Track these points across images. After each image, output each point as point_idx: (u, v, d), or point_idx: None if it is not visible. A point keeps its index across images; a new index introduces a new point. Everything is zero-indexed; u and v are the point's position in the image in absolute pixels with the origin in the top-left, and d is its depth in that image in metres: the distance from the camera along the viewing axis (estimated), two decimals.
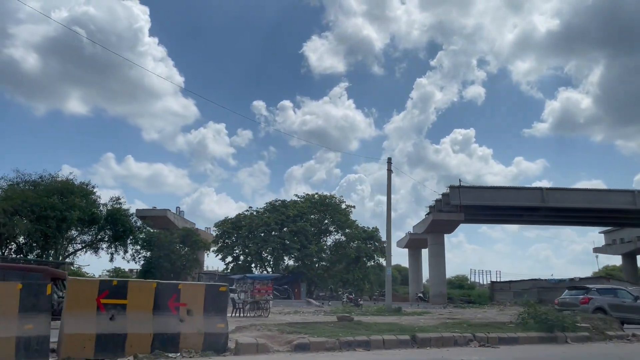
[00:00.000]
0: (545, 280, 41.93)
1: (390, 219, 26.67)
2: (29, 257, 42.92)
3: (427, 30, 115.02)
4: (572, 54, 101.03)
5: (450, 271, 73.03)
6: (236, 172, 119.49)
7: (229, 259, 38.68)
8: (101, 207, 45.15)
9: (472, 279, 62.60)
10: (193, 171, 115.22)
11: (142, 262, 42.36)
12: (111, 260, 47.65)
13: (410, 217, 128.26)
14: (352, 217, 42.01)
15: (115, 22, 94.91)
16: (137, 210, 48.14)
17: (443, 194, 44.28)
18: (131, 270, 50.67)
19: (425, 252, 53.09)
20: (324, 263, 38.58)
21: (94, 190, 45.34)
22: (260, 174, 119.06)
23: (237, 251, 39.15)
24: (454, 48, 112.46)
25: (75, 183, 42.04)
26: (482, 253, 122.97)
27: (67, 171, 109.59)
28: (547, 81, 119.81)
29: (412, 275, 51.98)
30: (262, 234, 36.88)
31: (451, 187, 43.69)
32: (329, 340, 9.46)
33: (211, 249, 41.87)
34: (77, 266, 51.09)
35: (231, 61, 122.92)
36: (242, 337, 9.41)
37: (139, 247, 40.39)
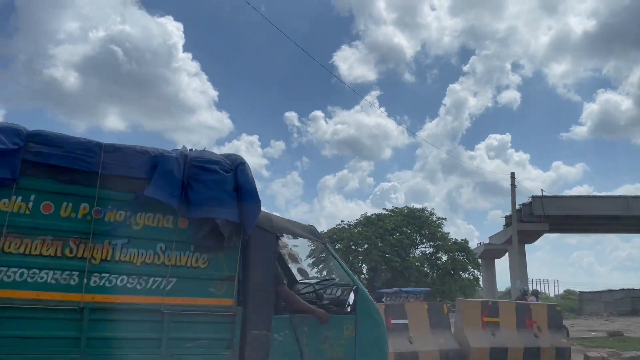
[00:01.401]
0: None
1: (516, 232, 27.54)
2: None
3: (458, 35, 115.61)
4: (610, 54, 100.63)
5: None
6: (270, 183, 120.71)
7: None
8: None
9: (540, 290, 62.85)
10: None
11: None
12: None
13: (447, 226, 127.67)
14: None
15: (150, 39, 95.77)
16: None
17: (524, 204, 44.84)
18: None
19: (498, 263, 53.59)
20: (415, 275, 39.50)
21: None
22: (294, 184, 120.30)
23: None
24: (487, 53, 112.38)
25: None
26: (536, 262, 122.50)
27: None
28: (584, 83, 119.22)
29: (485, 285, 52.33)
30: (364, 247, 38.14)
31: (533, 197, 44.34)
32: None
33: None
34: None
35: (263, 73, 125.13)
36: (589, 352, 10.59)
37: None
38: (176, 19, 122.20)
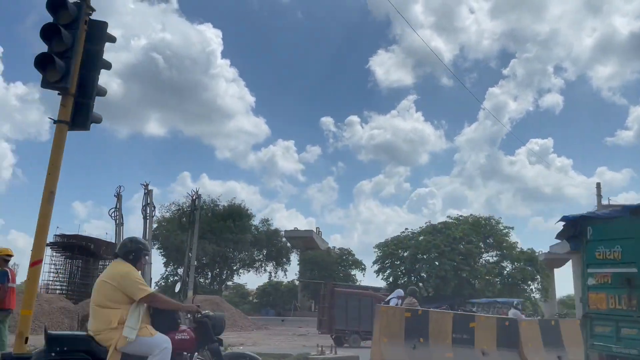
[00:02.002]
0: None
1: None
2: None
3: (498, 38, 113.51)
4: None
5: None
6: (305, 188, 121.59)
7: (390, 279, 40.72)
8: (253, 229, 48.94)
9: None
10: (264, 188, 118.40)
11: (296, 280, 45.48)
12: (270, 278, 51.43)
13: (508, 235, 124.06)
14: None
15: (190, 46, 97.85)
16: (285, 231, 51.70)
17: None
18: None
19: (557, 272, 52.56)
20: (482, 284, 39.64)
21: (250, 212, 49.27)
22: (329, 189, 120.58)
23: (400, 271, 41.10)
24: (528, 55, 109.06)
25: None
26: None
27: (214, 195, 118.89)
28: (631, 86, 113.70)
29: (543, 294, 51.55)
30: (432, 256, 38.53)
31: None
32: None
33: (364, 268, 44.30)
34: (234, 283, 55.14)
35: (299, 79, 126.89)
36: None
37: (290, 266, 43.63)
38: (215, 26, 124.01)
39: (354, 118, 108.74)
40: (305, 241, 54.04)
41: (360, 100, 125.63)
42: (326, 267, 42.94)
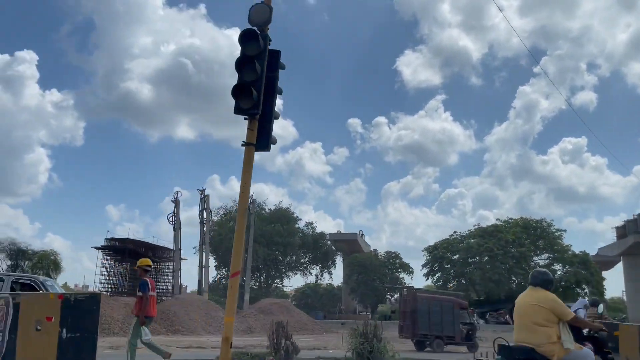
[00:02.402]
0: None
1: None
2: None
3: (528, 36, 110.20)
4: None
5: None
6: (333, 189, 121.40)
7: (440, 282, 40.72)
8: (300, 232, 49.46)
9: None
10: (292, 190, 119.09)
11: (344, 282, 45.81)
12: (316, 281, 51.98)
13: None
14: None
15: (218, 51, 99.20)
16: (329, 234, 52.16)
17: None
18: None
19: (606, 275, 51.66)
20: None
21: (296, 216, 49.86)
22: (357, 191, 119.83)
23: (450, 275, 41.13)
24: (560, 53, 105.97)
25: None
26: None
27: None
28: None
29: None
30: (486, 259, 38.44)
31: None
32: None
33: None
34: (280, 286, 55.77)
35: (326, 81, 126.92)
36: None
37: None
38: (242, 29, 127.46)
39: (382, 119, 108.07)
40: (349, 244, 54.48)
41: (388, 101, 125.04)
42: (374, 270, 43.19)
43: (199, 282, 36.07)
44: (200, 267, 35.24)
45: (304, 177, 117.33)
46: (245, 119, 6.63)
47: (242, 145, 6.58)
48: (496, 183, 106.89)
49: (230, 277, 6.32)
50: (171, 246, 57.78)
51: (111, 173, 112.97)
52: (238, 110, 6.51)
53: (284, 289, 56.12)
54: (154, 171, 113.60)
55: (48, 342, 5.49)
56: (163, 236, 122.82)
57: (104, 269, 55.81)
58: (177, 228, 35.70)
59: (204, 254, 35.00)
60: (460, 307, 17.93)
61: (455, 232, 43.05)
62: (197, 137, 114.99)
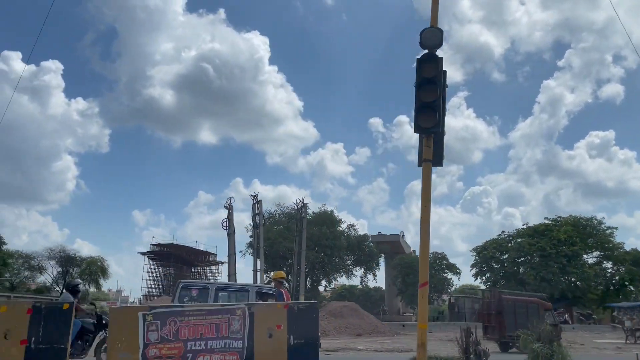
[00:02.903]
0: None
1: None
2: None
3: (551, 29, 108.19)
4: None
5: None
6: (356, 190, 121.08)
7: (489, 283, 40.69)
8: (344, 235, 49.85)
9: None
10: (314, 191, 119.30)
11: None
12: (361, 283, 52.31)
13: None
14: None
15: (238, 54, 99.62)
16: (372, 236, 52.46)
17: None
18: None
19: None
20: (579, 284, 38.90)
21: (340, 219, 50.29)
22: (380, 190, 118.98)
23: (499, 274, 41.06)
24: (584, 45, 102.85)
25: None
26: None
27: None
28: None
29: None
30: (537, 258, 38.23)
31: None
32: None
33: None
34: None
35: (346, 81, 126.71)
36: None
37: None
38: (262, 33, 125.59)
39: (403, 118, 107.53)
40: (392, 246, 54.63)
41: (409, 100, 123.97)
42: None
43: None
44: (255, 270, 35.88)
45: (326, 178, 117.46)
46: (421, 136, 7.06)
47: (420, 164, 6.98)
48: (522, 180, 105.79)
49: (420, 287, 6.74)
50: (211, 250, 58.84)
51: (136, 179, 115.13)
52: (418, 129, 6.94)
53: (324, 291, 56.73)
54: (178, 176, 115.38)
55: (279, 347, 6.00)
56: (187, 240, 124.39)
57: (150, 274, 57.65)
58: (231, 233, 36.42)
59: (258, 258, 35.66)
60: (545, 308, 18.13)
61: (503, 231, 43.00)
62: (220, 141, 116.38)
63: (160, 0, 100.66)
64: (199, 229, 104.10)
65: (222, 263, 55.34)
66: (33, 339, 5.80)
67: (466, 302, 40.89)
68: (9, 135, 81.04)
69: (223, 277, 51.81)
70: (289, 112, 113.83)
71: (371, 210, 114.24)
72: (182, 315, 5.78)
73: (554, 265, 36.79)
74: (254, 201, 36.72)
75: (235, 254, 37.03)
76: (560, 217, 42.57)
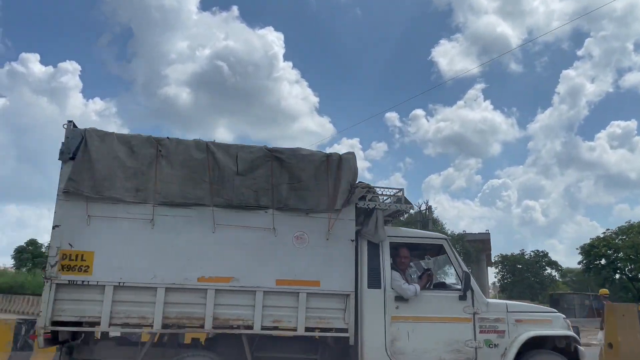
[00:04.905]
0: None
1: None
2: None
3: (569, 18, 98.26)
4: None
5: None
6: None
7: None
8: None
9: None
10: None
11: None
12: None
13: (565, 223, 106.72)
14: None
15: (252, 51, 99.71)
16: (458, 234, 49.93)
17: None
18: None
19: None
20: None
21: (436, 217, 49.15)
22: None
23: (609, 272, 37.75)
24: (604, 34, 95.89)
25: None
26: None
27: None
28: None
29: None
30: None
31: None
32: None
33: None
34: None
35: (361, 76, 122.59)
36: None
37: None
38: (276, 29, 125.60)
39: (419, 112, 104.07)
40: (484, 244, 51.96)
41: (425, 94, 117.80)
42: (527, 268, 42.46)
43: None
44: None
45: None
46: None
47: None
48: (541, 172, 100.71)
49: None
50: None
51: None
52: None
53: None
54: None
55: None
56: None
57: None
58: None
59: None
60: None
61: (607, 229, 39.29)
62: (236, 138, 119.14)
63: None
64: None
65: None
66: None
67: (575, 298, 37.83)
68: (30, 136, 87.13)
69: None
70: (305, 108, 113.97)
71: None
72: None
73: None
74: None
75: None
76: None
